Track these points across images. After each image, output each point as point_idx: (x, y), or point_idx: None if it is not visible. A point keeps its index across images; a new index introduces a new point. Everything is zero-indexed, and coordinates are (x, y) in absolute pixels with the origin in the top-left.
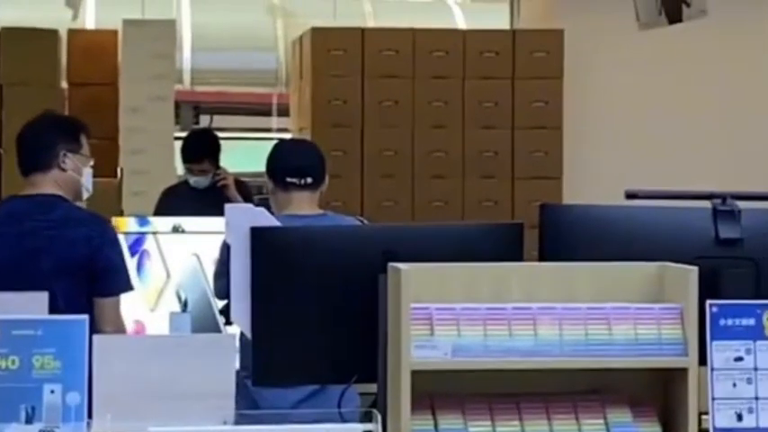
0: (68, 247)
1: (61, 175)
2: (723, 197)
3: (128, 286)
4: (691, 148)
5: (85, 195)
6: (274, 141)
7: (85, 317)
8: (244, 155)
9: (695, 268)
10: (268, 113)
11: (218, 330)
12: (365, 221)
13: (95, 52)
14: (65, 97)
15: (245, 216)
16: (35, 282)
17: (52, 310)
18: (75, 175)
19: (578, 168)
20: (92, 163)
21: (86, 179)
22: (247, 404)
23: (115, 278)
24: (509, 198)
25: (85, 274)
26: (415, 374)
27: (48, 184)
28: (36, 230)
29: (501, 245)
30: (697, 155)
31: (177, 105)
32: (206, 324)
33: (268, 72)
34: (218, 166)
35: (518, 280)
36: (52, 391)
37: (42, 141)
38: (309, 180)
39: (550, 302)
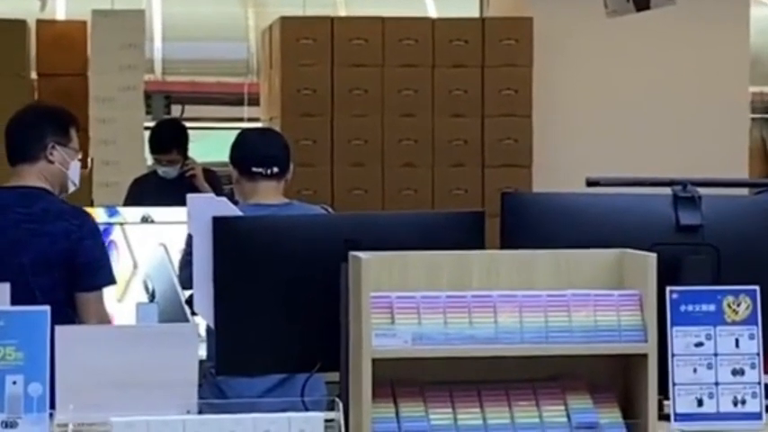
0: (48, 242)
1: (48, 168)
2: (683, 183)
3: (110, 280)
4: (661, 135)
5: (72, 189)
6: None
7: (47, 308)
8: (216, 144)
9: (654, 255)
10: (240, 103)
11: (185, 320)
12: (330, 210)
13: (64, 43)
14: (34, 88)
15: (206, 206)
16: (14, 275)
17: (31, 304)
18: (61, 168)
19: (548, 156)
20: (80, 156)
21: (73, 172)
22: (215, 394)
23: (97, 272)
24: (479, 186)
25: (65, 268)
26: (376, 362)
27: (33, 175)
28: (17, 223)
29: (463, 233)
30: (667, 142)
31: (149, 95)
32: (173, 314)
33: (239, 62)
34: (186, 156)
35: (478, 268)
36: (14, 383)
37: (31, 132)
38: (275, 169)
39: (511, 290)
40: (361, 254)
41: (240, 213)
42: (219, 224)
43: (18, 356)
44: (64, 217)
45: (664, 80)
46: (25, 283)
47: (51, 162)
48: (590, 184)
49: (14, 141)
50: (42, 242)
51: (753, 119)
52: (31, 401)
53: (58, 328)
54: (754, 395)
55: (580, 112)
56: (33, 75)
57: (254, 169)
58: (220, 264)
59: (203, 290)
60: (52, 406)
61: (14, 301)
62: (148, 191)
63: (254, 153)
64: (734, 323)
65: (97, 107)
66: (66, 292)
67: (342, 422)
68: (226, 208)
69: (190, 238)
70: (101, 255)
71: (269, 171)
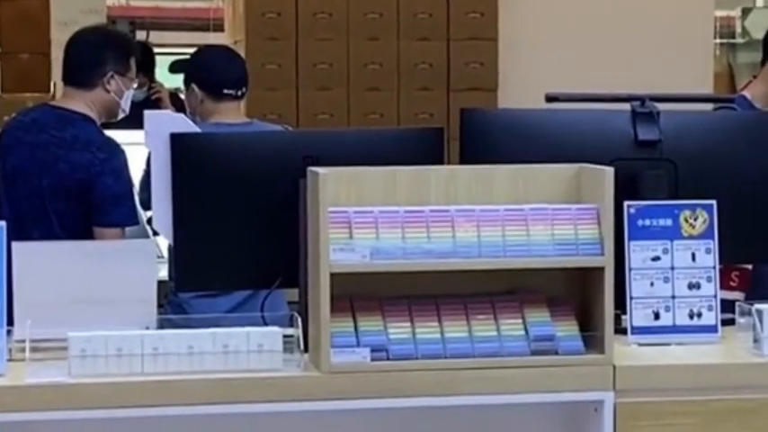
0: (68, 170)
1: (101, 96)
2: (642, 99)
3: (128, 219)
4: (626, 60)
5: (121, 116)
6: None
7: (2, 223)
8: None
9: (611, 168)
10: (205, 29)
11: None
12: (290, 128)
13: None
14: None
15: (164, 122)
16: (33, 196)
17: (46, 228)
18: (115, 97)
19: (514, 79)
20: (135, 85)
21: (125, 101)
22: (178, 315)
23: (113, 209)
24: (445, 110)
25: (81, 199)
26: (335, 277)
27: (82, 101)
28: (47, 145)
29: (422, 149)
30: (633, 67)
31: (113, 21)
32: (137, 236)
33: None
34: (152, 80)
35: (436, 183)
36: None
37: (92, 58)
38: (243, 90)
39: (469, 205)
40: (319, 169)
41: (198, 129)
42: (177, 140)
43: None
44: (90, 148)
45: (629, 3)
46: (42, 206)
47: (108, 91)
48: (549, 99)
49: (74, 64)
50: (63, 169)
51: (720, 44)
52: None
53: (15, 244)
54: (710, 308)
55: (546, 35)
56: None
57: (226, 91)
58: (179, 180)
59: (162, 206)
60: (10, 322)
61: (31, 222)
62: None
63: (227, 76)
64: (691, 237)
65: (59, 30)
66: (82, 221)
67: (301, 337)
68: (183, 124)
69: (150, 158)
70: (119, 193)
71: (239, 92)
